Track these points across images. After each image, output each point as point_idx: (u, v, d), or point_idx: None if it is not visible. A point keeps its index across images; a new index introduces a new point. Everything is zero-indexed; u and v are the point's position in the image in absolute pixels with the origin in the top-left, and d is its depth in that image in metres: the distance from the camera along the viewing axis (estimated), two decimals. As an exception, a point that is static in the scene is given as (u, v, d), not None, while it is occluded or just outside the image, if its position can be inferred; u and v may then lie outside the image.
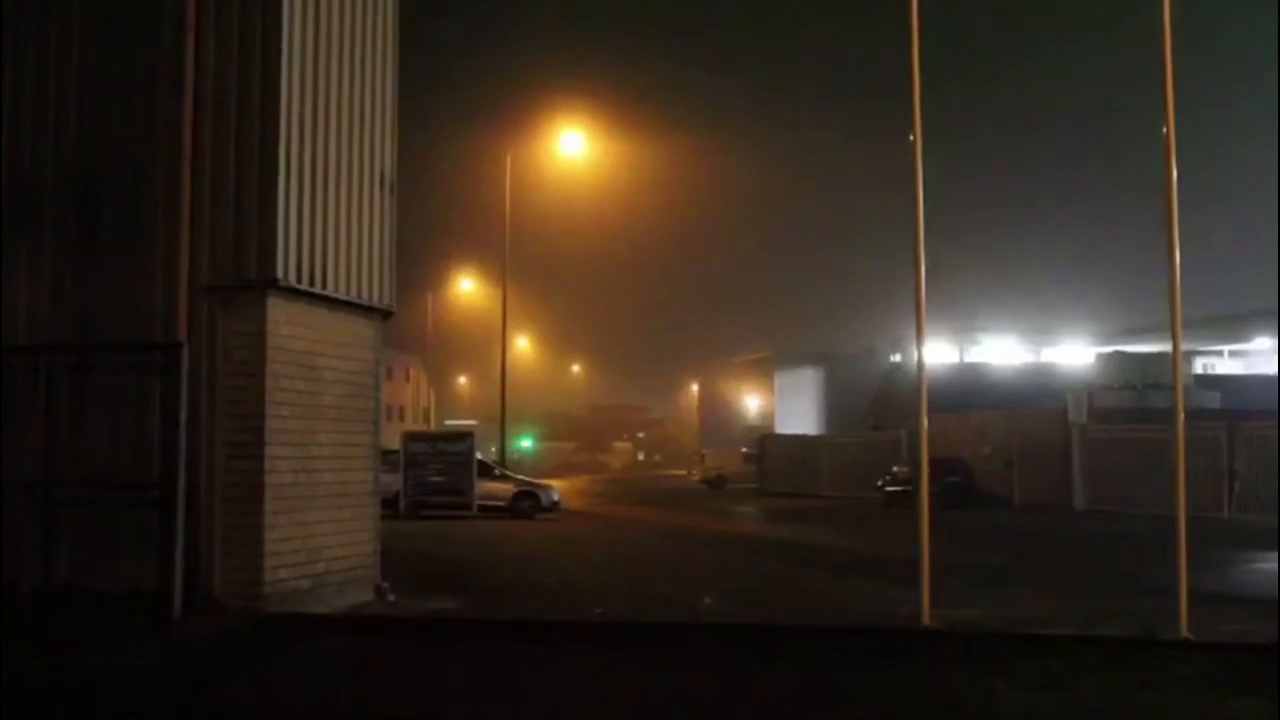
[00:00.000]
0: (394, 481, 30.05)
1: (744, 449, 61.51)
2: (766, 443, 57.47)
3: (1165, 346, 23.07)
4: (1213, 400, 40.52)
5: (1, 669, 9.56)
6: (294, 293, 12.27)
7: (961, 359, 68.26)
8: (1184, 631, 10.35)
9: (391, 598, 13.58)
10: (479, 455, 34.17)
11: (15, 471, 12.00)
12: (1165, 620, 10.51)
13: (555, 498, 33.95)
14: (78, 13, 12.57)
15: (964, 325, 69.80)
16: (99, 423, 12.06)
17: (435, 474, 32.52)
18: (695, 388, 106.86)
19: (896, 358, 68.39)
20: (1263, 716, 8.46)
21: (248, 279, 11.98)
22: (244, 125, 12.13)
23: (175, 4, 12.15)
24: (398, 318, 14.66)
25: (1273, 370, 47.52)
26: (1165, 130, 10.97)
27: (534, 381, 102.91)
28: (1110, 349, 51.16)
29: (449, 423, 78.97)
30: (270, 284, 11.96)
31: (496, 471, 34.98)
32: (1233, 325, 61.69)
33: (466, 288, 69.38)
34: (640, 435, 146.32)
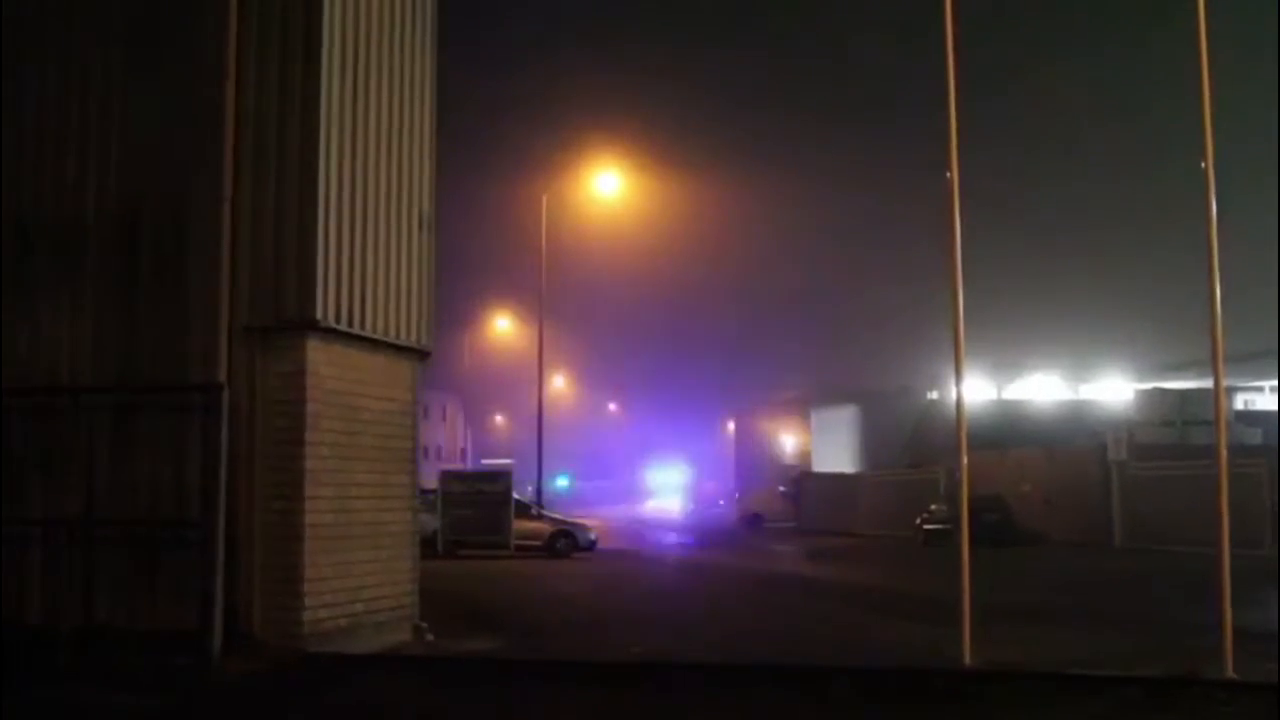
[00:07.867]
0: (432, 521, 30.02)
1: (780, 487, 61.29)
2: (804, 481, 57.34)
3: (1205, 382, 22.85)
4: (1254, 436, 40.22)
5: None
6: (333, 333, 12.35)
7: (999, 396, 67.87)
8: (1229, 671, 10.19)
9: (430, 637, 13.57)
10: (516, 494, 34.17)
11: (57, 511, 12.11)
12: (1209, 659, 10.37)
13: (592, 537, 33.84)
14: (119, 59, 12.74)
15: (1001, 361, 69.46)
16: (139, 463, 12.13)
17: (473, 513, 32.49)
18: (730, 426, 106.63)
19: (933, 395, 68.16)
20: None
21: (287, 320, 12.06)
22: (283, 167, 12.24)
23: (215, 50, 12.29)
24: (434, 356, 14.71)
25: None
26: (1204, 165, 10.90)
27: (570, 420, 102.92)
28: (1149, 385, 50.79)
29: (485, 462, 79.03)
30: (310, 325, 12.04)
31: (533, 511, 34.85)
32: (1274, 360, 60.99)
33: (503, 327, 69.69)
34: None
